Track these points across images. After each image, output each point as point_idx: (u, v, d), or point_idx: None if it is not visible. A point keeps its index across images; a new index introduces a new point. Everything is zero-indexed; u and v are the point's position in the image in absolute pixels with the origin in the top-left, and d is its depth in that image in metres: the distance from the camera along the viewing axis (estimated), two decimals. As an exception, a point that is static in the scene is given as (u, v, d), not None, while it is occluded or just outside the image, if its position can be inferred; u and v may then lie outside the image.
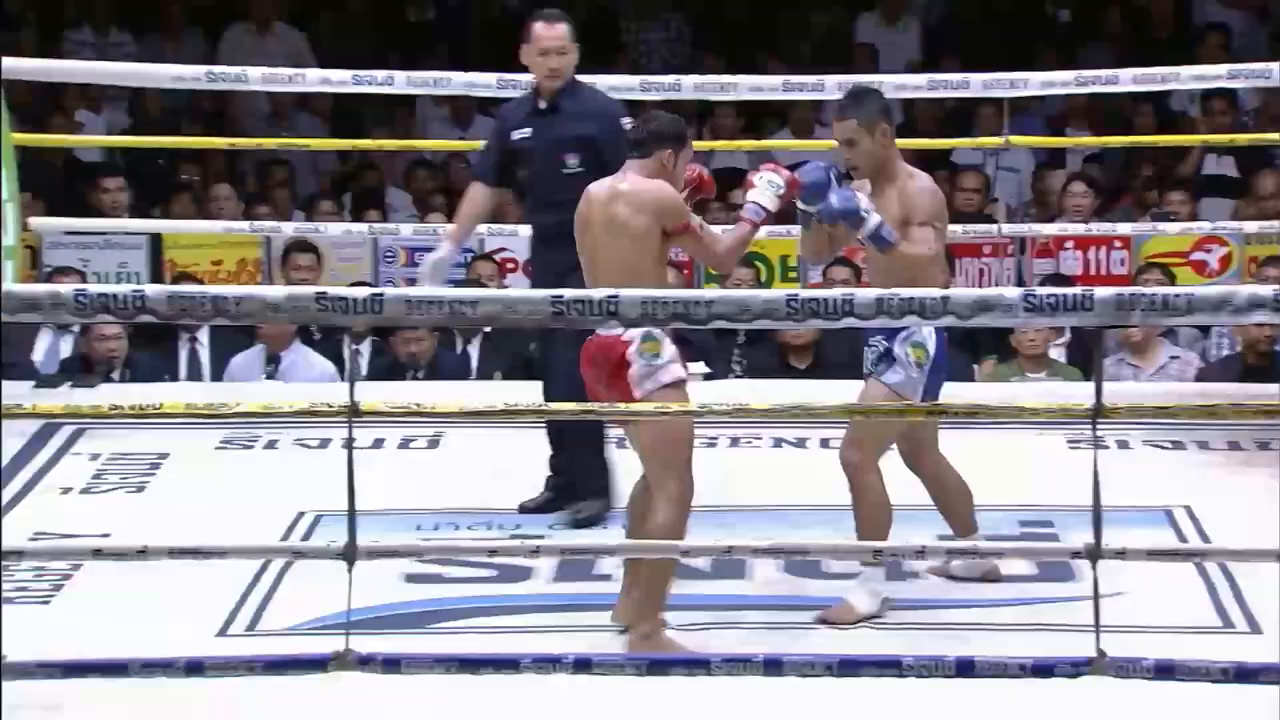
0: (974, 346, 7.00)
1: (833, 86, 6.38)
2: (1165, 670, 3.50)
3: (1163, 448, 5.67)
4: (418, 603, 4.60)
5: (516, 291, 3.70)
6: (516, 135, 5.27)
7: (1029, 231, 7.32)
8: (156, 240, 7.67)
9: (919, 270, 4.50)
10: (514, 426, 5.33)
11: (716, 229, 4.58)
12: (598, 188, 4.50)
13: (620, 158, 4.59)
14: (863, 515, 4.54)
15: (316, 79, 6.61)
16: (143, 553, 3.55)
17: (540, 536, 4.93)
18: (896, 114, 9.30)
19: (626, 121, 4.99)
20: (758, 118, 8.90)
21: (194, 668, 3.49)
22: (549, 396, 5.09)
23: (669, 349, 4.39)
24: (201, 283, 7.44)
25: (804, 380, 6.59)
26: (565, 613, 4.55)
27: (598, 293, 3.60)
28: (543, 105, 5.27)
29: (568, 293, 3.62)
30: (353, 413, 3.45)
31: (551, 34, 5.27)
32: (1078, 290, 3.58)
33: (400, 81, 6.44)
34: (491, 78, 6.45)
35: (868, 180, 4.64)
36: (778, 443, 5.84)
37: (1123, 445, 5.68)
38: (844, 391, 5.85)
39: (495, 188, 5.38)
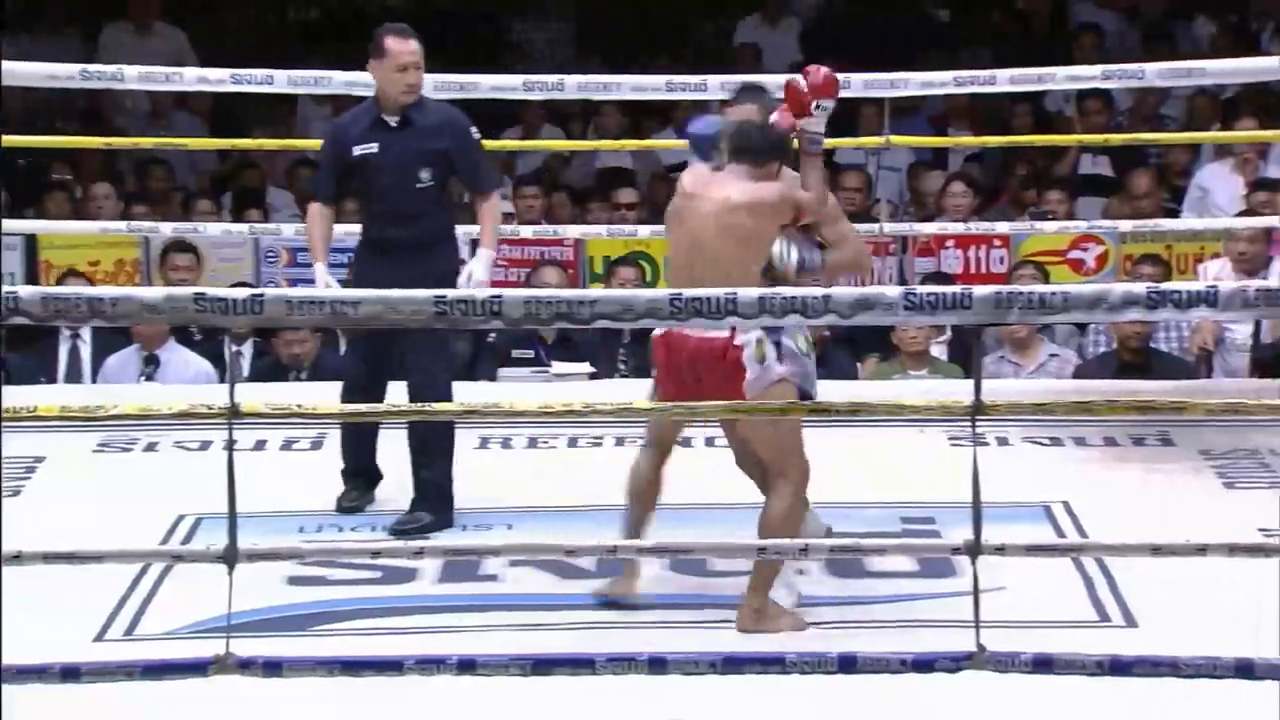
0: (856, 345, 7.06)
1: (715, 86, 6.40)
2: (1043, 664, 3.54)
3: (1041, 444, 5.74)
4: (300, 605, 4.56)
5: (399, 292, 3.68)
6: (360, 150, 5.21)
7: (910, 231, 7.38)
8: (31, 241, 7.54)
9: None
10: (398, 427, 5.30)
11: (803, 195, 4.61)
12: (711, 189, 4.52)
13: (470, 168, 5.03)
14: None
15: (194, 78, 6.53)
16: (17, 558, 3.49)
17: (429, 537, 4.90)
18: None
19: (473, 131, 5.18)
20: (640, 117, 8.92)
21: (70, 673, 3.43)
22: (416, 397, 5.03)
23: (772, 349, 4.52)
24: (91, 281, 7.33)
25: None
26: (450, 614, 4.54)
27: (481, 293, 3.58)
28: (392, 121, 5.22)
29: (451, 293, 3.60)
30: (233, 414, 3.41)
31: (407, 49, 5.22)
32: (957, 289, 3.62)
33: (280, 81, 6.38)
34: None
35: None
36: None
37: (1003, 442, 5.75)
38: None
39: (334, 205, 5.33)
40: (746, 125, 4.65)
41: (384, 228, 5.18)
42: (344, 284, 5.32)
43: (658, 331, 4.54)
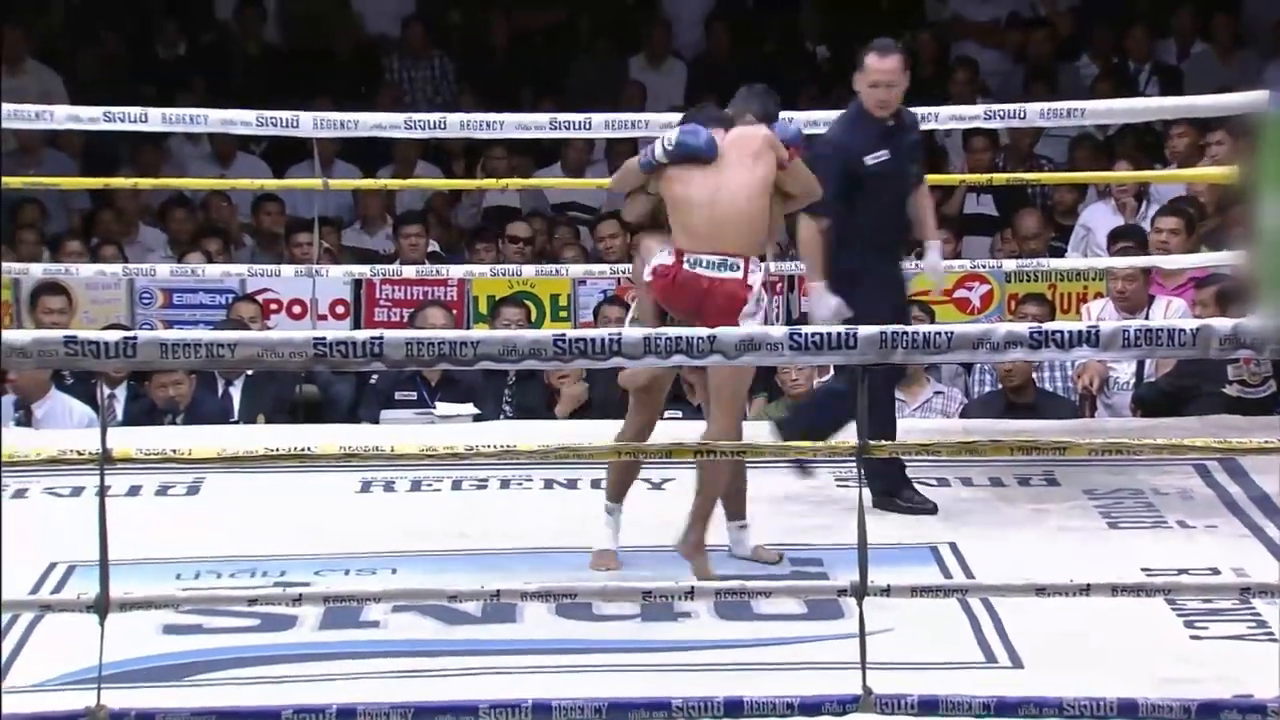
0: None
1: (600, 124, 6.43)
2: (929, 706, 3.58)
3: (928, 485, 5.79)
4: (175, 655, 4.51)
5: (277, 333, 3.67)
6: (872, 159, 5.40)
7: (797, 270, 7.45)
8: (-103, 282, 7.42)
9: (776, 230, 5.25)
10: (277, 471, 5.26)
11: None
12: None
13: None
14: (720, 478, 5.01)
15: (65, 116, 6.47)
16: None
17: (305, 584, 4.87)
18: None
19: None
20: (531, 156, 8.95)
21: (-65, 729, 3.37)
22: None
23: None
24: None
25: (574, 421, 6.63)
26: (330, 661, 4.50)
27: (361, 335, 3.58)
28: (890, 124, 5.46)
29: (330, 335, 3.59)
30: (104, 460, 3.38)
31: (881, 66, 5.45)
32: (841, 328, 3.67)
33: (154, 119, 6.34)
34: (250, 115, 6.39)
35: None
36: (549, 484, 5.85)
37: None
38: (614, 432, 5.92)
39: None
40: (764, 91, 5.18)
41: (890, 231, 5.43)
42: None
43: (661, 268, 4.94)
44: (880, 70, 5.41)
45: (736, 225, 4.96)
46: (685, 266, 4.95)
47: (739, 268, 4.93)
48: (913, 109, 6.21)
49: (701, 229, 4.96)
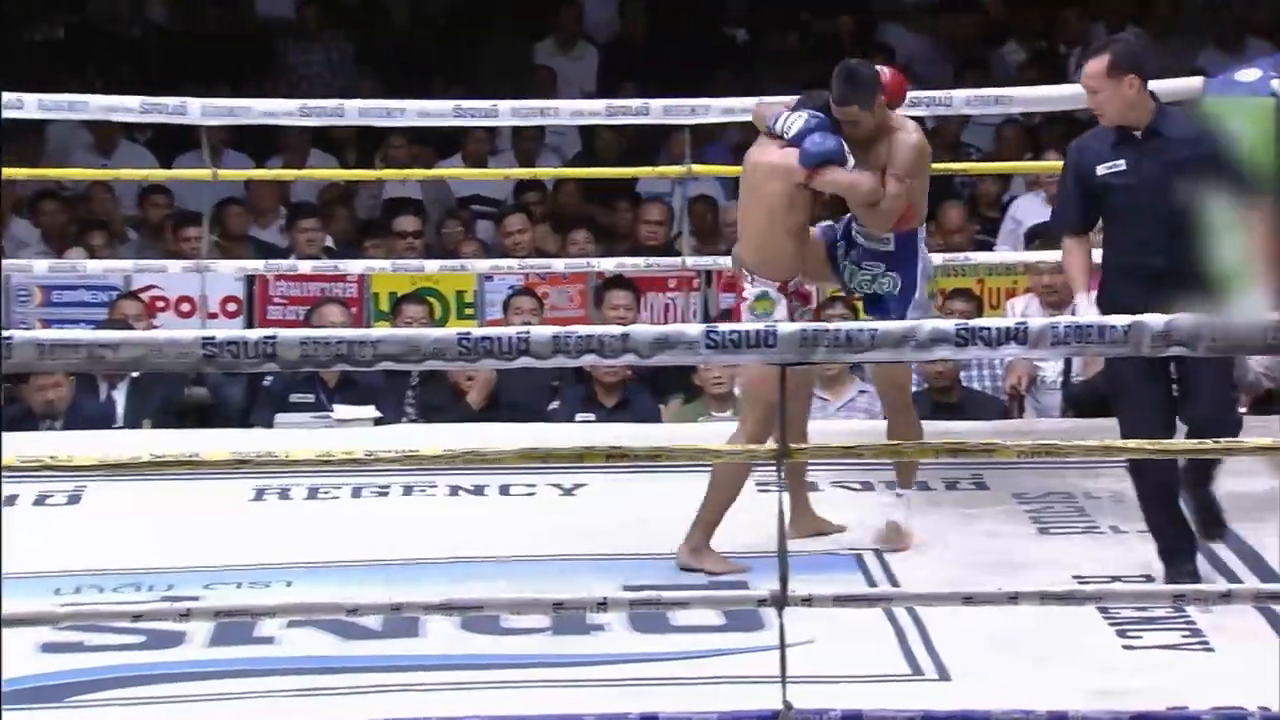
0: (660, 386, 7.12)
1: (507, 112, 6.42)
2: (853, 720, 3.61)
3: (852, 489, 5.84)
4: (55, 674, 4.47)
5: (164, 333, 3.64)
6: (1104, 170, 4.99)
7: (714, 264, 7.47)
8: None
9: (870, 215, 5.26)
10: (164, 479, 5.23)
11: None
12: (755, 156, 5.31)
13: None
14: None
15: (-65, 103, 6.39)
16: None
17: (194, 598, 4.84)
18: (574, 141, 9.50)
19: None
20: (431, 144, 8.93)
21: None
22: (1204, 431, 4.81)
23: (781, 309, 5.17)
24: None
25: (481, 423, 6.62)
26: (222, 680, 4.48)
27: (253, 334, 3.56)
28: (1136, 133, 4.97)
29: (220, 334, 3.57)
30: (-22, 468, 3.34)
31: (1084, 69, 5.03)
32: (760, 326, 3.68)
33: (30, 105, 6.27)
34: (134, 101, 6.33)
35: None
36: (454, 490, 5.85)
37: (812, 487, 5.82)
38: (523, 434, 5.92)
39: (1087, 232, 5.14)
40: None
41: (1134, 255, 4.90)
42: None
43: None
44: (1083, 75, 5.05)
45: (745, 240, 5.24)
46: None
47: (748, 278, 5.22)
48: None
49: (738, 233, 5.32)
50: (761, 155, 5.26)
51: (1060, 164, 7.97)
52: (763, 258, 5.20)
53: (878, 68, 5.35)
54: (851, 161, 5.22)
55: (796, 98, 5.39)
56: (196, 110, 6.39)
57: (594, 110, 6.63)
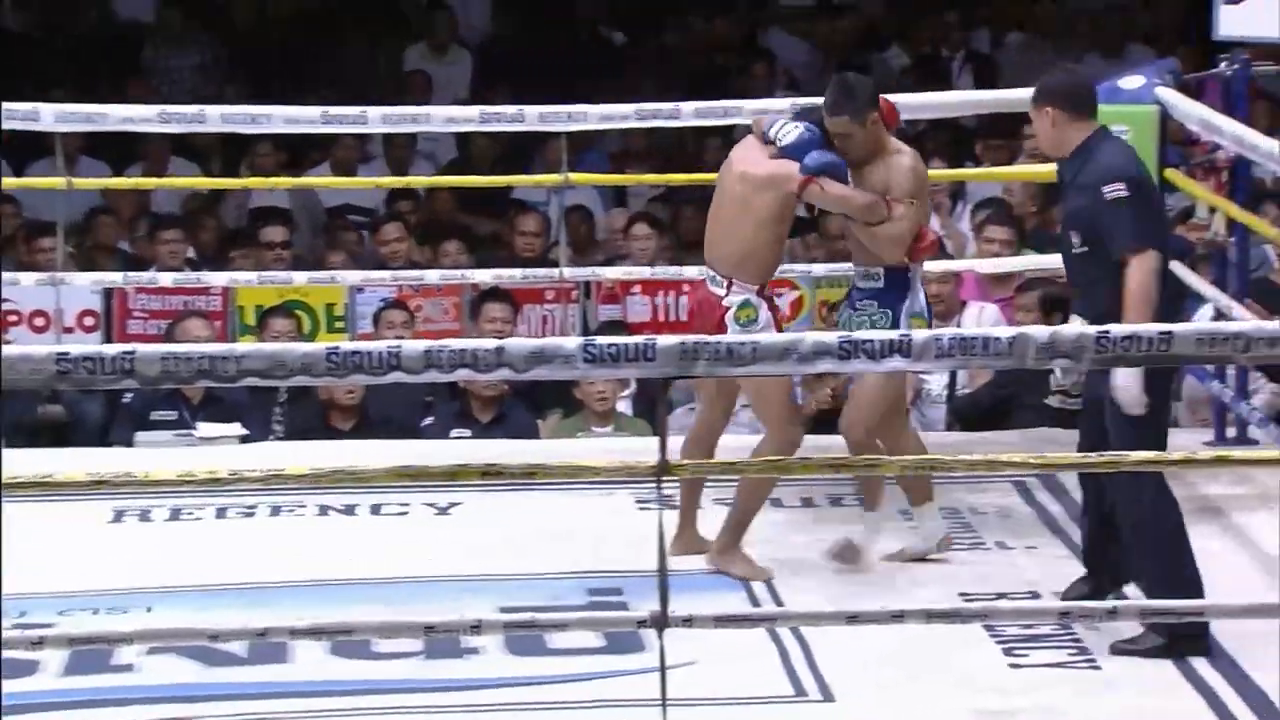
0: (538, 400, 7.11)
1: (377, 119, 6.39)
2: (735, 743, 3.61)
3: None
4: (-99, 708, 4.39)
5: (15, 348, 3.58)
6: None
7: (593, 276, 7.47)
8: None
9: (880, 243, 5.26)
10: (17, 500, 5.13)
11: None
12: (738, 156, 5.32)
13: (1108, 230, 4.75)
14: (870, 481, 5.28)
15: None
16: None
17: (48, 625, 4.76)
18: (450, 148, 9.47)
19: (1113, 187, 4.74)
20: (300, 151, 8.86)
21: None
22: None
23: (764, 315, 5.19)
24: None
25: (351, 440, 6.58)
26: (78, 710, 4.42)
27: (110, 349, 3.51)
28: (1061, 172, 4.95)
29: (76, 349, 3.52)
30: None
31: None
32: (639, 339, 3.68)
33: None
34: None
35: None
36: (323, 510, 5.80)
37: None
38: (395, 452, 5.88)
39: None
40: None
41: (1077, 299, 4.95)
42: None
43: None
44: None
45: (723, 246, 5.25)
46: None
47: (722, 285, 5.22)
48: (720, 102, 6.26)
49: (708, 236, 5.32)
50: (752, 165, 5.24)
51: (945, 173, 8.11)
52: (744, 262, 5.22)
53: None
54: (850, 183, 5.25)
55: (796, 106, 5.45)
56: (49, 116, 6.30)
57: (468, 116, 6.61)
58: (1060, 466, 4.24)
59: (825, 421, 6.79)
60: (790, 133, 5.23)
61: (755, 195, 5.21)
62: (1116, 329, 3.58)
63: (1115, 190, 4.71)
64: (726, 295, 5.21)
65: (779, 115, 5.37)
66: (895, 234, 5.23)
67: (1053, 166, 6.62)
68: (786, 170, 5.18)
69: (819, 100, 5.35)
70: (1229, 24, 6.24)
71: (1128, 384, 4.66)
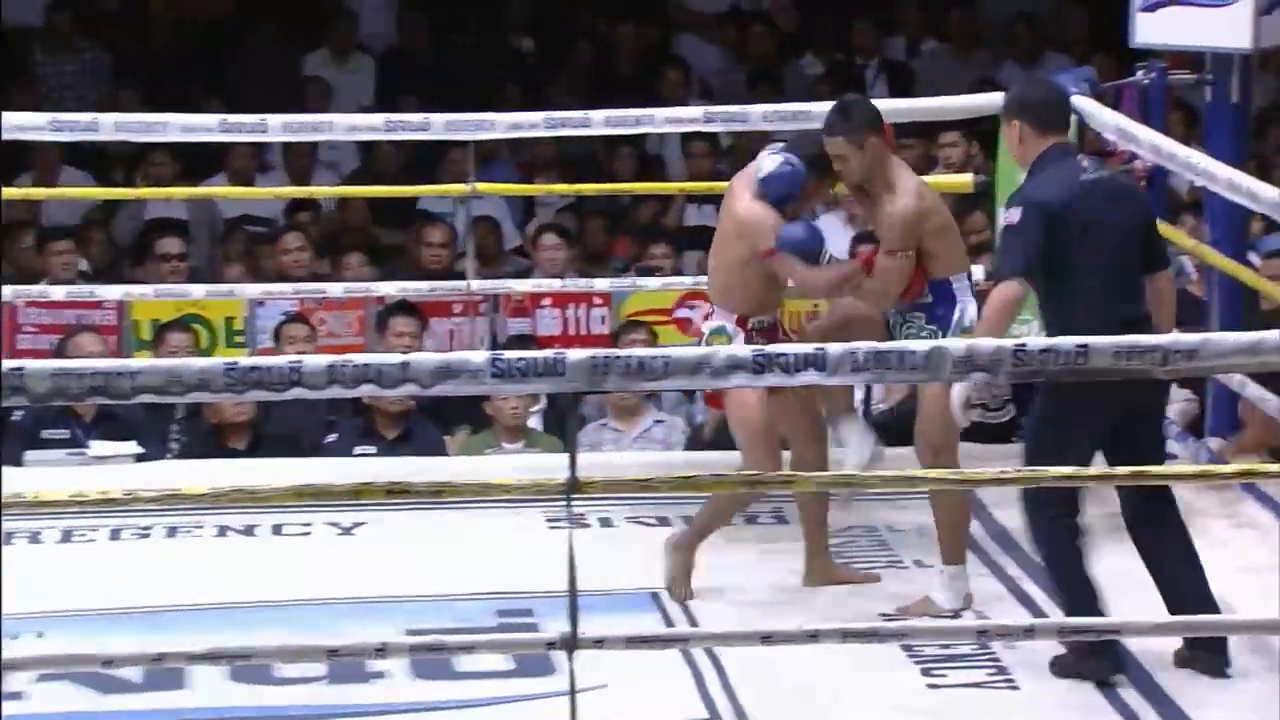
0: (445, 416, 7.09)
1: (278, 127, 6.36)
2: (649, 767, 3.61)
3: (648, 524, 5.85)
4: None
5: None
6: None
7: (502, 288, 7.46)
8: None
9: (866, 295, 5.24)
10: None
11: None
12: (734, 189, 5.34)
13: None
14: (944, 516, 5.17)
15: None
16: None
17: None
18: (352, 158, 9.43)
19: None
20: (196, 161, 8.80)
21: None
22: None
23: (738, 343, 5.15)
24: None
25: (251, 459, 6.53)
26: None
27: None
28: None
29: (-38, 365, 3.48)
30: None
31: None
32: (548, 353, 3.68)
33: None
34: None
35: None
36: (222, 531, 5.77)
37: (605, 523, 5.84)
38: (296, 471, 5.85)
39: None
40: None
41: None
42: None
43: None
44: None
45: (714, 273, 5.34)
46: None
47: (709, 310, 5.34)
48: (631, 111, 6.28)
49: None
50: (737, 202, 5.26)
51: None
52: (727, 291, 5.28)
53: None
54: (828, 253, 5.22)
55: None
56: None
57: (372, 125, 6.58)
58: (979, 482, 4.27)
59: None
60: (768, 165, 5.24)
61: (733, 236, 5.26)
62: (1033, 343, 3.62)
63: (1009, 216, 4.84)
64: (706, 320, 5.30)
65: (775, 144, 5.36)
66: (878, 289, 5.19)
67: (968, 177, 6.72)
68: (759, 226, 5.18)
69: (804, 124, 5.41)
70: (1145, 31, 6.31)
71: (955, 394, 4.82)
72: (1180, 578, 4.74)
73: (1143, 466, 4.33)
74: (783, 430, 5.34)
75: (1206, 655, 4.74)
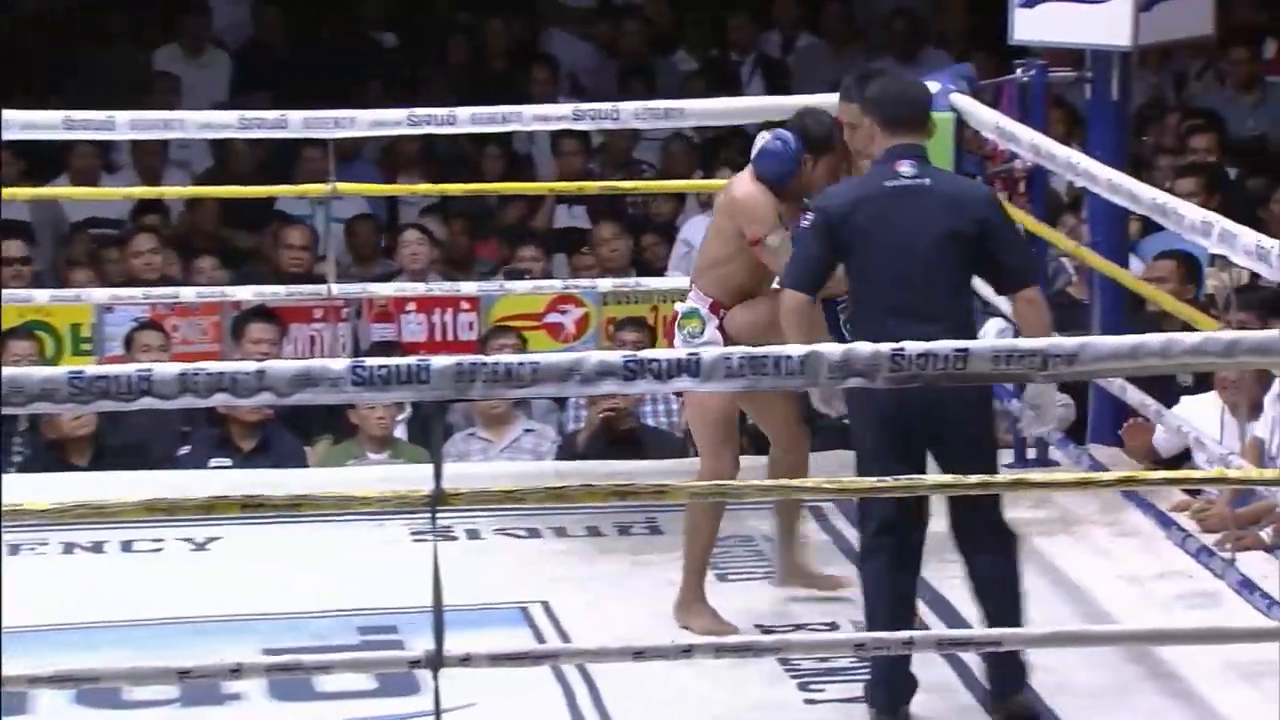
0: (307, 426, 7.05)
1: (125, 125, 6.29)
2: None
3: (517, 536, 5.85)
4: None
5: None
6: None
7: (364, 293, 7.43)
8: None
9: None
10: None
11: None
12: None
13: None
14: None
15: None
16: None
17: None
18: (205, 158, 9.35)
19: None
20: (39, 160, 8.69)
21: None
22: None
23: (711, 332, 5.14)
24: None
25: (100, 471, 6.46)
26: None
27: None
28: None
29: None
30: None
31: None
32: (412, 360, 3.67)
33: None
34: None
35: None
36: (69, 548, 5.70)
37: (473, 535, 5.83)
38: (147, 484, 5.79)
39: None
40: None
41: None
42: None
43: None
44: None
45: (702, 250, 5.33)
46: None
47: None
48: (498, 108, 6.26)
49: None
50: (735, 180, 5.23)
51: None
52: (706, 271, 5.21)
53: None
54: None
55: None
56: None
57: (225, 122, 6.53)
58: (856, 491, 4.30)
59: (616, 445, 6.80)
60: (759, 142, 5.20)
61: (723, 212, 5.21)
62: (912, 347, 3.65)
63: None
64: (682, 303, 5.24)
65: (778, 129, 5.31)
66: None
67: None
68: (751, 210, 5.09)
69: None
70: (1024, 28, 6.38)
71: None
72: (992, 613, 4.60)
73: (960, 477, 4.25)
74: (764, 429, 5.34)
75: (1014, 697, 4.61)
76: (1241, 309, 6.21)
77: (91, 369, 3.51)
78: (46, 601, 5.25)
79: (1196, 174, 7.81)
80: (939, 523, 5.00)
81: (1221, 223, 4.55)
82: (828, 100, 5.30)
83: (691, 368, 3.65)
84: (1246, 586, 4.92)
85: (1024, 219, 6.17)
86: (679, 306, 5.27)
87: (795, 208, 5.12)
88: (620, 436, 6.92)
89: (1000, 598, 4.60)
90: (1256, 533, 5.63)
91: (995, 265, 4.69)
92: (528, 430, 7.08)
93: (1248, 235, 4.40)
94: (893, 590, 4.60)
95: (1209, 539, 5.42)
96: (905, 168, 4.66)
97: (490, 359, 3.69)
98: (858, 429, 4.69)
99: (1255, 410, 5.78)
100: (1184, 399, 6.15)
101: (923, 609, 4.99)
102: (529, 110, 6.54)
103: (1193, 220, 4.70)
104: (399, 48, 10.16)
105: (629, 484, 3.84)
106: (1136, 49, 6.31)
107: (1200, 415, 5.83)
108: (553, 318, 7.95)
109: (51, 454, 6.70)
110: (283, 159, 8.79)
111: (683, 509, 5.40)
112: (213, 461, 6.68)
